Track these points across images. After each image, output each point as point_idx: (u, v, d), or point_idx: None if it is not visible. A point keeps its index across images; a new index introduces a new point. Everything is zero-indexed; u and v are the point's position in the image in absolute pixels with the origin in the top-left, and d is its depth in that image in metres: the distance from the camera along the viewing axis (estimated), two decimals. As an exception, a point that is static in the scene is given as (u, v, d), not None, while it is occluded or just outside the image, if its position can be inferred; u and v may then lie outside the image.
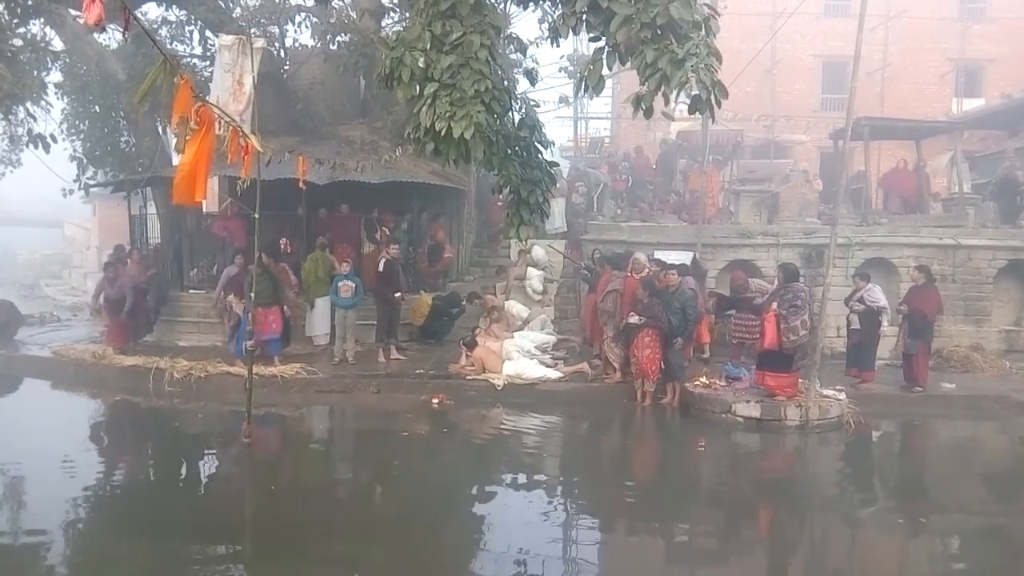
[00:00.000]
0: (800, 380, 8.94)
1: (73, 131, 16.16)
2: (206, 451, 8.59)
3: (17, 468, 7.20)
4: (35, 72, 14.03)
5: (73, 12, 13.99)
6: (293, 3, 14.52)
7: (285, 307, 11.01)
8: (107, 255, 14.80)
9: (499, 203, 15.51)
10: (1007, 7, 22.86)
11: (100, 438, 9.16)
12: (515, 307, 12.82)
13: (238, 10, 14.70)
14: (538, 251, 13.69)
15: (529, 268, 13.54)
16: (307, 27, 14.97)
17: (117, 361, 11.09)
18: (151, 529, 5.93)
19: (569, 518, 6.43)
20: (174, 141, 11.42)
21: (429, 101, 6.85)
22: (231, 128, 6.35)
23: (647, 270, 10.38)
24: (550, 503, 6.67)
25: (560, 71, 18.85)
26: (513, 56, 14.13)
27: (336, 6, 14.14)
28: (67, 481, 6.93)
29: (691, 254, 12.00)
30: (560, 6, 7.33)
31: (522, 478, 7.32)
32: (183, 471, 7.84)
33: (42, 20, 14.14)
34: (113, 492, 6.99)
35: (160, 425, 9.69)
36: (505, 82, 7.37)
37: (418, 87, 7.00)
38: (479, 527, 6.14)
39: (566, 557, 5.60)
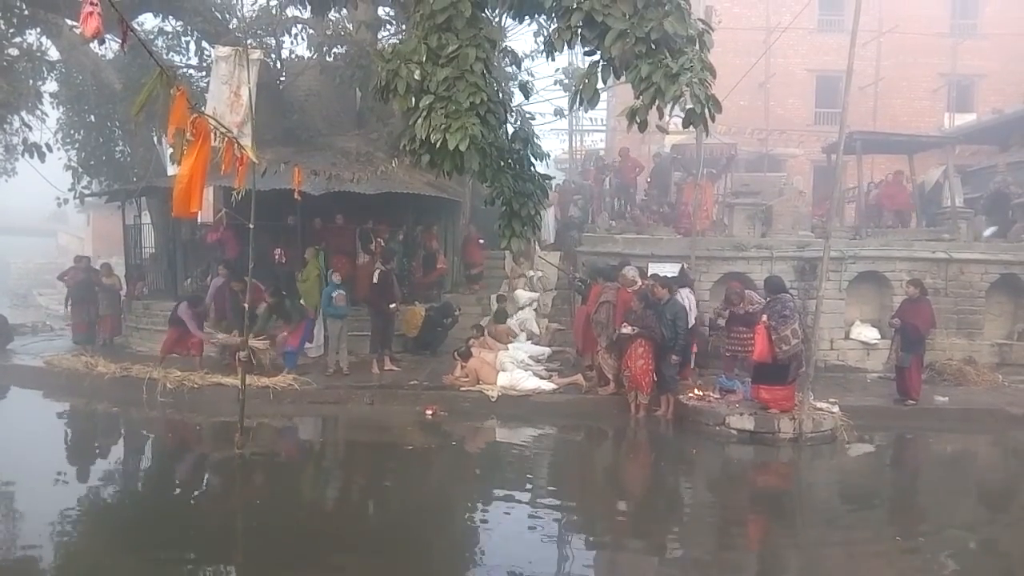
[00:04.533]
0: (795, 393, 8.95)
1: (68, 141, 16.19)
2: (198, 462, 8.55)
3: (7, 480, 7.14)
4: (31, 81, 14.09)
5: (69, 22, 14.04)
6: (289, 15, 14.59)
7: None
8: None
9: (480, 240, 15.42)
10: (998, 23, 23.08)
11: (92, 449, 9.09)
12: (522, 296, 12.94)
13: (234, 21, 14.76)
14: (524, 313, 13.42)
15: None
16: (303, 39, 15.06)
17: (110, 371, 11.03)
18: (142, 542, 5.90)
19: (564, 533, 6.41)
20: (169, 151, 11.46)
21: (425, 113, 6.88)
22: (226, 139, 6.37)
23: (638, 284, 10.39)
24: (544, 518, 6.61)
25: (555, 84, 19.01)
26: (508, 69, 14.21)
27: (333, 18, 14.20)
28: (58, 493, 6.89)
29: (679, 265, 12.04)
30: (555, 20, 7.37)
31: (516, 492, 7.28)
32: (175, 482, 7.80)
33: (38, 30, 14.18)
34: (104, 504, 6.94)
35: (152, 436, 9.65)
36: (500, 95, 7.39)
37: (414, 99, 7.02)
38: (473, 543, 6.12)
39: (561, 572, 5.58)
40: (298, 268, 12.28)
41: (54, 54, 15.24)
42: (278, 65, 15.13)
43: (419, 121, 6.89)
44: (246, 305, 8.62)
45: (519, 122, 9.65)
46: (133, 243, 15.61)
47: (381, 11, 14.98)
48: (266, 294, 11.16)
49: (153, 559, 5.55)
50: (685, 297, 10.40)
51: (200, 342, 11.26)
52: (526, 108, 16.82)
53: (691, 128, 7.42)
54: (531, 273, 14.39)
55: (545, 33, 11.66)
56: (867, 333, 12.31)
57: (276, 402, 10.12)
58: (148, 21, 15.69)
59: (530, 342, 12.42)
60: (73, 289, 14.26)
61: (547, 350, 12.13)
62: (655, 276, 10.92)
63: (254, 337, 10.32)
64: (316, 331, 11.81)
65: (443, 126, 6.74)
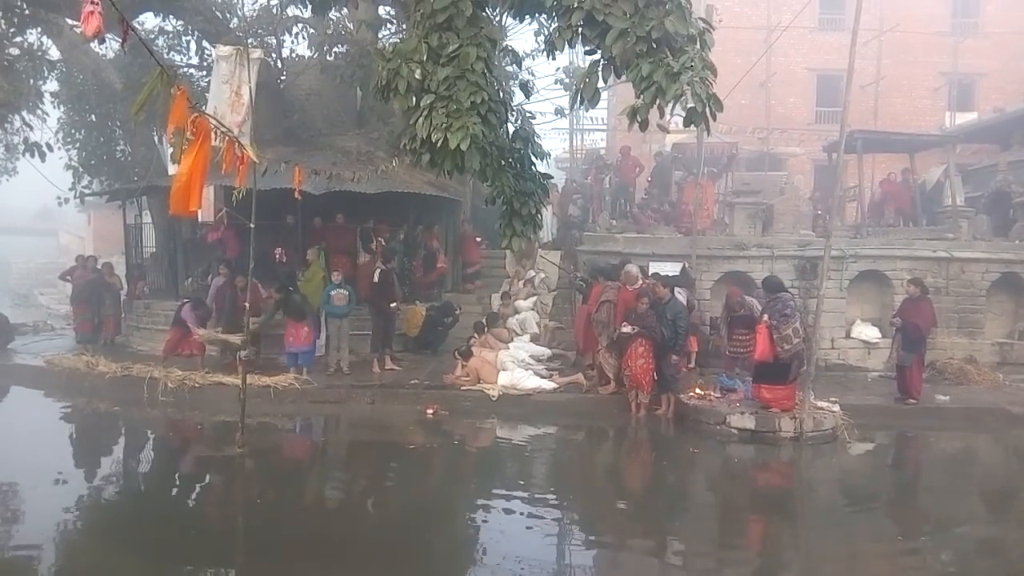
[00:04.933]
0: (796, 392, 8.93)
1: (69, 140, 16.20)
2: (199, 462, 8.55)
3: (8, 479, 7.14)
4: (31, 81, 14.09)
5: (70, 22, 14.04)
6: (290, 14, 14.59)
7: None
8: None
9: (477, 239, 15.34)
10: (999, 22, 23.07)
11: (93, 448, 9.09)
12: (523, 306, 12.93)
13: (235, 20, 14.76)
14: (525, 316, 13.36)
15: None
16: (304, 38, 15.10)
17: (111, 371, 11.02)
18: (143, 541, 5.89)
19: (564, 532, 6.41)
20: (170, 151, 11.48)
21: (425, 112, 6.88)
22: (227, 138, 6.37)
23: (640, 282, 10.38)
24: (545, 517, 6.62)
25: (556, 83, 19.01)
26: (509, 68, 14.21)
27: (333, 17, 14.21)
28: (59, 492, 6.88)
29: (681, 264, 12.04)
30: (556, 19, 7.37)
31: (517, 491, 7.27)
32: (176, 482, 7.81)
33: (39, 29, 14.17)
34: (105, 503, 6.94)
35: (154, 435, 9.66)
36: (501, 94, 7.39)
37: (414, 98, 7.03)
38: (474, 542, 6.13)
39: (561, 571, 5.58)
40: (299, 268, 12.29)
41: (55, 53, 15.25)
42: (279, 64, 15.14)
43: (420, 120, 6.89)
44: (246, 304, 8.62)
45: (520, 121, 9.67)
46: (134, 242, 15.61)
47: (382, 10, 14.98)
48: (272, 291, 11.18)
49: (153, 558, 5.55)
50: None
51: (202, 342, 11.27)
52: (527, 107, 16.84)
53: (692, 127, 7.42)
54: (531, 273, 14.37)
55: (546, 32, 11.67)
56: (868, 332, 12.30)
57: (277, 401, 10.12)
58: (149, 20, 15.73)
59: (532, 343, 12.40)
60: (79, 288, 14.19)
61: (548, 351, 12.11)
62: (656, 275, 10.92)
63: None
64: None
65: (444, 125, 6.74)
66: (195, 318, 11.14)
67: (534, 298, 13.85)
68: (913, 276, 11.12)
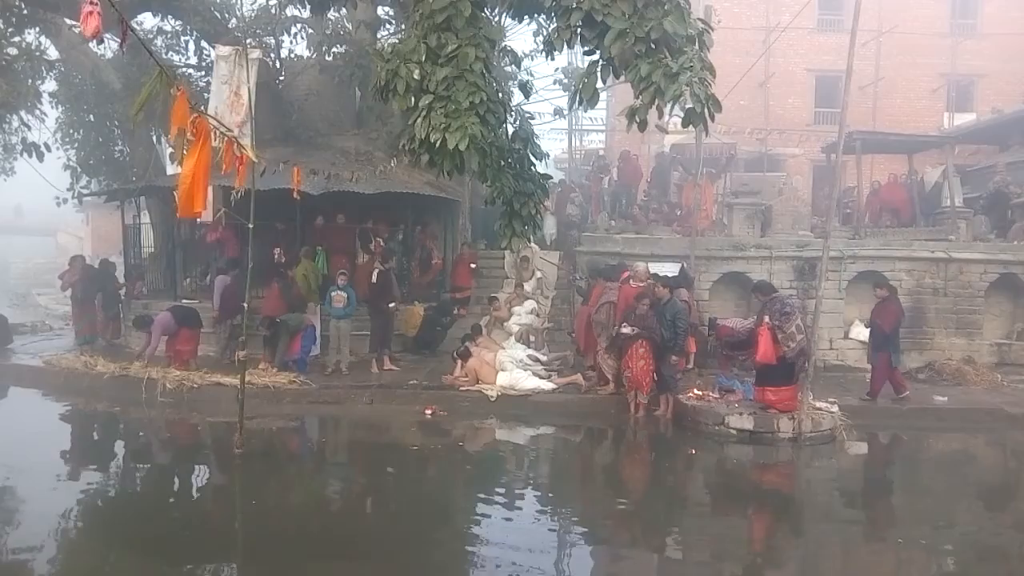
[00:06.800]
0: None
1: (67, 140, 16.14)
2: (198, 463, 8.54)
3: (6, 480, 7.14)
4: (30, 81, 14.04)
5: (69, 21, 14.03)
6: (289, 14, 14.59)
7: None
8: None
9: (472, 265, 15.15)
10: (998, 23, 23.13)
11: (92, 449, 9.09)
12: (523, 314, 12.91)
13: (234, 20, 14.76)
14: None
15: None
16: (303, 38, 15.11)
17: (109, 371, 11.00)
18: (140, 545, 5.87)
19: (563, 532, 6.42)
20: (168, 151, 11.46)
21: (424, 113, 6.89)
22: (226, 139, 6.38)
23: (647, 281, 10.38)
24: (544, 518, 6.64)
25: (555, 83, 19.02)
26: (508, 69, 14.21)
27: (332, 18, 14.21)
28: (56, 494, 6.87)
29: (679, 265, 12.04)
30: (555, 20, 7.39)
31: (516, 491, 7.29)
32: (174, 484, 7.79)
33: (37, 29, 14.15)
34: (103, 504, 6.93)
35: (152, 436, 9.65)
36: (500, 94, 7.40)
37: (413, 99, 7.04)
38: (473, 543, 6.12)
39: (560, 571, 5.58)
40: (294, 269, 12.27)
41: (53, 53, 15.21)
42: (277, 65, 15.13)
43: (418, 121, 6.90)
44: (245, 304, 8.61)
45: (519, 122, 9.67)
46: (132, 243, 15.59)
47: (380, 10, 14.99)
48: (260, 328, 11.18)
49: (152, 559, 5.54)
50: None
51: (194, 346, 11.26)
52: (526, 108, 16.85)
53: (691, 128, 7.44)
54: (527, 274, 14.29)
55: (545, 32, 11.66)
56: (866, 333, 12.27)
57: (275, 402, 10.11)
58: (147, 20, 15.71)
59: (532, 346, 12.36)
60: (80, 288, 13.97)
61: (546, 355, 12.07)
62: (655, 276, 10.92)
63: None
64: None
65: (442, 126, 6.75)
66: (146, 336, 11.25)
67: (531, 302, 13.81)
68: (876, 283, 11.04)
